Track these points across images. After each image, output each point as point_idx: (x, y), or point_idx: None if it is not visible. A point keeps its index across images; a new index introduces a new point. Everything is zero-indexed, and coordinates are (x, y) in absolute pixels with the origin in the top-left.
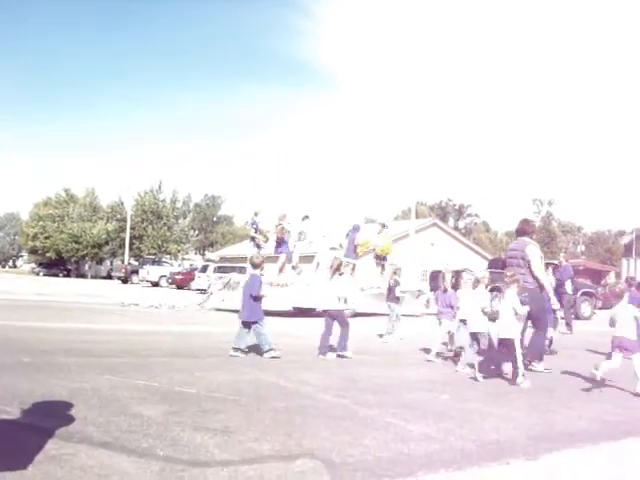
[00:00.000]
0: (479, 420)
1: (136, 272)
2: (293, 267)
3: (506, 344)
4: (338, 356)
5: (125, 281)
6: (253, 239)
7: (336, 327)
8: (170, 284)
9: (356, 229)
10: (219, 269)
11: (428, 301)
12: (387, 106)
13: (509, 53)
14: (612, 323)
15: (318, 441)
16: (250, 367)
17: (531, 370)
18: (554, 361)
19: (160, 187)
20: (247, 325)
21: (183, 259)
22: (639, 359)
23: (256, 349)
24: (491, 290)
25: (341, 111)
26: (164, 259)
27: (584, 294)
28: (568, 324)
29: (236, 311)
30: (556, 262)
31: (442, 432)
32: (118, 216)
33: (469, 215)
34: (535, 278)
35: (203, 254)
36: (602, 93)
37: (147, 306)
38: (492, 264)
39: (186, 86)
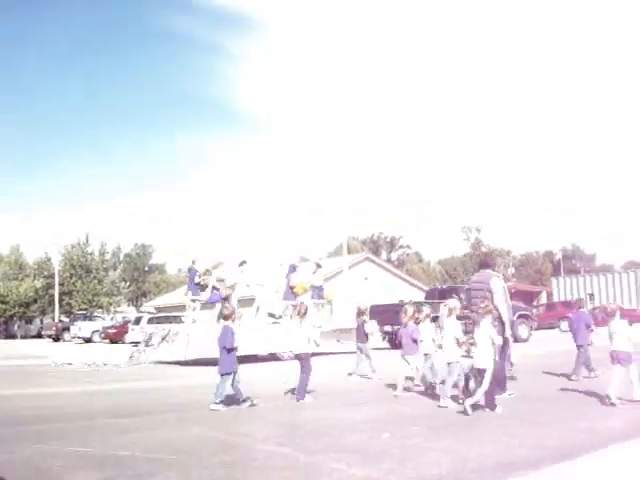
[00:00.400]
0: (420, 456)
1: (67, 329)
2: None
3: (480, 373)
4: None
5: (57, 339)
6: (198, 284)
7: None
8: (103, 339)
9: (291, 270)
10: (153, 320)
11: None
12: (312, 143)
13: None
14: (610, 338)
15: None
16: (190, 422)
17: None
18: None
19: (87, 240)
20: (225, 376)
21: (115, 312)
22: (635, 369)
23: (230, 400)
24: (432, 320)
25: (268, 151)
26: (96, 313)
27: (520, 317)
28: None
29: (177, 363)
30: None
31: (384, 472)
32: (46, 272)
33: (401, 247)
34: (496, 309)
35: (136, 305)
36: (519, 121)
37: (82, 364)
38: (429, 295)
39: (107, 133)
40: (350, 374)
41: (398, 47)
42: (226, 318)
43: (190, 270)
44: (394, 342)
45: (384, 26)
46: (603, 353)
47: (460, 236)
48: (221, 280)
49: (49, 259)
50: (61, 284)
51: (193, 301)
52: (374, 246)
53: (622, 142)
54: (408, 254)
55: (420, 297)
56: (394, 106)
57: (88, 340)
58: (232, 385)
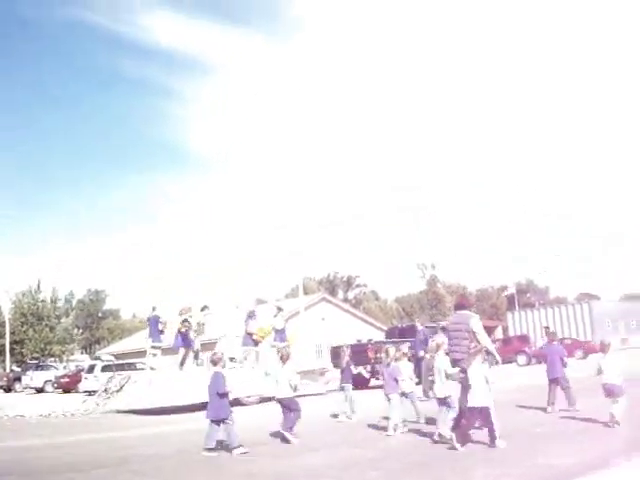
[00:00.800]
0: None
1: (19, 379)
2: (195, 358)
3: (480, 411)
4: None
5: (8, 390)
6: (162, 331)
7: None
8: (56, 388)
9: (250, 316)
10: (107, 368)
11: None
12: (266, 182)
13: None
14: (599, 372)
15: None
16: (140, 475)
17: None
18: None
19: (39, 286)
20: (217, 422)
21: (69, 360)
22: (624, 401)
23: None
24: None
25: (222, 191)
26: (49, 362)
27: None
28: (425, 390)
29: (136, 412)
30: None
31: None
32: None
33: (357, 285)
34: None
35: (90, 352)
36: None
37: (36, 415)
38: (390, 333)
39: (59, 176)
40: (336, 415)
41: (357, 82)
42: (215, 363)
43: (151, 317)
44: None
45: (341, 67)
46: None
47: (416, 273)
48: (185, 322)
49: None
50: (12, 332)
51: (154, 347)
52: (330, 286)
53: (572, 181)
54: (365, 293)
55: (379, 336)
56: (343, 153)
57: (40, 390)
58: (225, 431)
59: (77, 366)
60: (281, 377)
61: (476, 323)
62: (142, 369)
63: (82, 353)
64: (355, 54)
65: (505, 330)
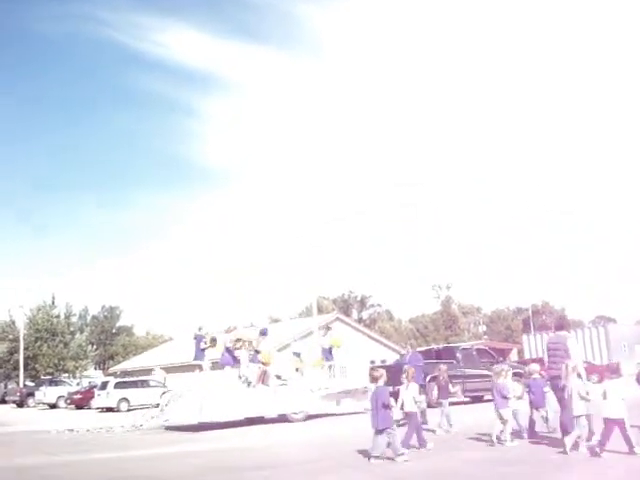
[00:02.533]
0: None
1: (32, 394)
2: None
3: (617, 423)
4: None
5: (21, 404)
6: (204, 350)
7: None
8: (69, 404)
9: (262, 334)
10: (121, 384)
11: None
12: (280, 201)
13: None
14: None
15: None
16: None
17: None
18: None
19: (53, 302)
20: (380, 432)
21: (82, 376)
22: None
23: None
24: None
25: (233, 209)
26: (62, 378)
27: (433, 380)
28: None
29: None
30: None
31: None
32: (10, 336)
33: (371, 305)
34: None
35: (103, 369)
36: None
37: (82, 430)
38: (427, 355)
39: (71, 193)
40: (434, 430)
41: (356, 91)
42: (377, 379)
43: (196, 336)
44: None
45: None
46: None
47: (430, 294)
48: (239, 340)
49: (13, 322)
50: (26, 348)
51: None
52: (344, 305)
53: (580, 196)
54: (379, 313)
55: (393, 356)
56: (357, 165)
57: (53, 406)
58: (389, 439)
59: (90, 382)
60: (407, 394)
61: (573, 344)
62: (155, 386)
63: (95, 369)
64: (365, 57)
65: (520, 352)
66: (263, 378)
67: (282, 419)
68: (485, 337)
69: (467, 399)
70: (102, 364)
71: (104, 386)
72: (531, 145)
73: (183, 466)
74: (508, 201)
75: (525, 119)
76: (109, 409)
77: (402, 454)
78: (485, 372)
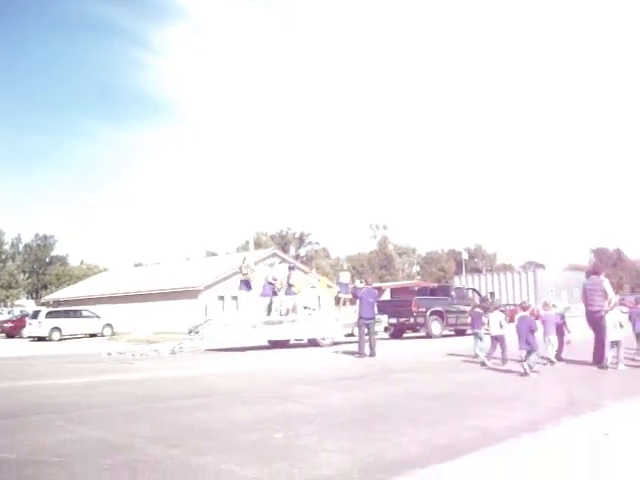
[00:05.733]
0: (312, 456)
1: None
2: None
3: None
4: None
5: None
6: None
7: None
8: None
9: (291, 268)
10: (53, 314)
11: None
12: (226, 138)
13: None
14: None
15: None
16: (75, 424)
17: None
18: (380, 386)
19: None
20: (529, 353)
21: (13, 305)
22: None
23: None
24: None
25: (183, 145)
26: None
27: (434, 313)
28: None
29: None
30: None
31: (275, 473)
32: None
33: (309, 243)
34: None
35: (36, 298)
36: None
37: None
38: (421, 293)
39: (13, 118)
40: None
41: (316, 43)
42: (525, 309)
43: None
44: (395, 332)
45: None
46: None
47: (367, 233)
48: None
49: None
50: None
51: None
52: (283, 241)
53: (522, 146)
54: (316, 250)
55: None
56: (307, 103)
57: None
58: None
59: (22, 311)
60: (493, 319)
61: (607, 285)
62: (88, 317)
63: (28, 299)
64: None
65: None
66: (295, 308)
67: (313, 344)
68: (418, 277)
69: (451, 332)
70: (35, 293)
71: (36, 315)
72: (466, 85)
73: (110, 395)
74: (445, 145)
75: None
76: (40, 338)
77: (537, 371)
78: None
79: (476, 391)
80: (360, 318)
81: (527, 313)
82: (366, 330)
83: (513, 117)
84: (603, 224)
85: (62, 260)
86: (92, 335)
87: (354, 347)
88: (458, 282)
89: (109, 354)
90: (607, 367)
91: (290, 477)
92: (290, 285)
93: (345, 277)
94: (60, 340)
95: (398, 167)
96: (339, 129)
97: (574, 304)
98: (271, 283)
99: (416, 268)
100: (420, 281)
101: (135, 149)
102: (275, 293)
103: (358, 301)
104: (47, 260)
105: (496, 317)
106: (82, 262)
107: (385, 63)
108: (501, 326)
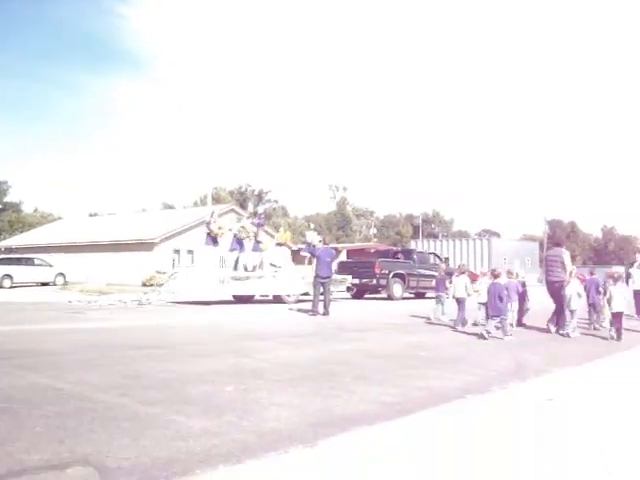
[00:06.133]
0: (261, 410)
1: None
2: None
3: (616, 315)
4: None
5: None
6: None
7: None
8: None
9: (260, 225)
10: (3, 261)
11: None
12: (190, 91)
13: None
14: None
15: (93, 446)
16: (25, 370)
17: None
18: (332, 344)
19: None
20: (493, 317)
21: None
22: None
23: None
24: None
25: (146, 96)
26: None
27: (396, 276)
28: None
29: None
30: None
31: (223, 425)
32: None
33: (268, 201)
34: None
35: None
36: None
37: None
38: (384, 255)
39: None
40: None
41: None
42: (496, 277)
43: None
44: (357, 293)
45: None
46: None
47: (327, 194)
48: (244, 230)
49: None
50: None
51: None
52: (241, 198)
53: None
54: (274, 208)
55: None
56: (270, 58)
57: None
58: (500, 323)
59: None
60: (459, 282)
61: (567, 257)
62: (40, 265)
63: None
64: None
65: None
66: (261, 264)
67: (278, 300)
68: (375, 240)
69: (412, 295)
70: None
71: None
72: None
73: (63, 342)
74: (407, 110)
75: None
76: None
77: (510, 336)
78: (434, 273)
79: (427, 353)
80: (317, 277)
81: (499, 280)
82: (321, 289)
83: (472, 83)
84: (559, 196)
85: (15, 207)
86: (44, 284)
87: (309, 305)
88: (414, 246)
89: (70, 302)
90: (567, 334)
91: (239, 429)
92: (258, 242)
93: (312, 236)
94: (11, 288)
95: (360, 129)
96: (301, 88)
97: (527, 274)
98: (237, 238)
99: (373, 231)
100: (377, 244)
101: (99, 99)
102: (242, 245)
103: (315, 260)
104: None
105: (462, 280)
106: (36, 210)
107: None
108: (466, 289)
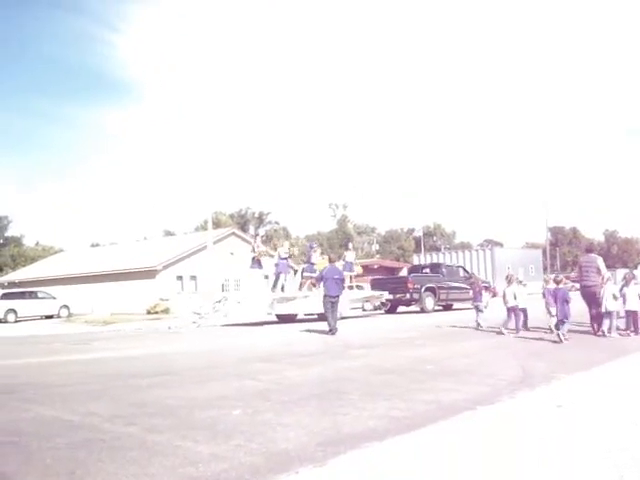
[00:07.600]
0: (270, 431)
1: None
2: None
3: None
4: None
5: None
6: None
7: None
8: None
9: (311, 247)
10: (8, 295)
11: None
12: (185, 117)
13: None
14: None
15: (102, 476)
16: (32, 403)
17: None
18: (331, 362)
19: None
20: (562, 322)
21: None
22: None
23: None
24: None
25: (141, 124)
26: None
27: (427, 290)
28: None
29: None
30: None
31: (232, 449)
32: None
33: (269, 222)
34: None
35: None
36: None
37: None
38: (414, 270)
39: None
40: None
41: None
42: (558, 282)
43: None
44: (391, 308)
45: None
46: None
47: (327, 212)
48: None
49: None
50: None
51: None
52: (242, 221)
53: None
54: (276, 230)
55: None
56: (267, 80)
57: None
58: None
59: None
60: (509, 292)
61: (601, 262)
62: (44, 298)
63: None
64: None
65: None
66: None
67: (322, 318)
68: (378, 256)
69: (440, 307)
70: None
71: None
72: (424, 59)
73: (67, 374)
74: (404, 125)
75: None
76: None
77: (567, 339)
78: (463, 285)
79: (466, 360)
80: (326, 296)
81: (562, 286)
82: (331, 307)
83: (471, 95)
84: (560, 203)
85: (17, 241)
86: (48, 317)
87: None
88: (417, 260)
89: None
90: (605, 334)
91: (248, 452)
92: (312, 263)
93: (350, 256)
94: (16, 322)
95: (358, 147)
96: (298, 108)
97: (530, 281)
98: (284, 259)
99: (375, 247)
100: (379, 259)
101: (93, 129)
102: (290, 269)
103: (323, 280)
104: (1, 241)
105: (511, 290)
106: (37, 243)
107: (338, 36)
108: (515, 298)
